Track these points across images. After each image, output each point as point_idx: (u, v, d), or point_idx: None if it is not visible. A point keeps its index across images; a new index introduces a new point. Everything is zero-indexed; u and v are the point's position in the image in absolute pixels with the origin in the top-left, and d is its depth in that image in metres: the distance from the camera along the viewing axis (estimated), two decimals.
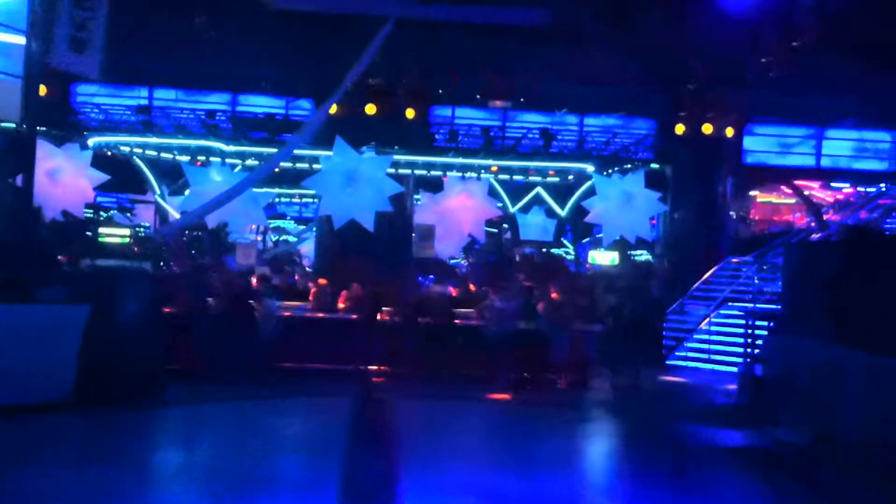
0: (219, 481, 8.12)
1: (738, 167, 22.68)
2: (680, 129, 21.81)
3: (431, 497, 7.77)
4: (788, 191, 26.24)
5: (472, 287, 19.33)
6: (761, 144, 23.34)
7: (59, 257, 17.74)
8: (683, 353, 17.71)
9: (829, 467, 9.07)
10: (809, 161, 23.60)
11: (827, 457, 9.31)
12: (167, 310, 14.68)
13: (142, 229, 29.71)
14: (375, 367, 15.25)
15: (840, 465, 8.97)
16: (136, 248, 27.24)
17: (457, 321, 15.96)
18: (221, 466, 8.72)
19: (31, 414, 10.30)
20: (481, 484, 8.49)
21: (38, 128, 14.56)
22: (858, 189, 24.64)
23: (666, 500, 8.03)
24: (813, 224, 23.51)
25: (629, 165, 22.25)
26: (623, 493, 8.77)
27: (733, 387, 13.78)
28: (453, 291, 18.84)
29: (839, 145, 23.64)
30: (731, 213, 24.28)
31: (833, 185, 25.48)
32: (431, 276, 21.03)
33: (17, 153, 13.89)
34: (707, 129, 21.74)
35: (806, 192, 25.30)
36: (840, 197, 25.94)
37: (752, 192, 28.61)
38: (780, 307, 13.69)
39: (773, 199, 30.14)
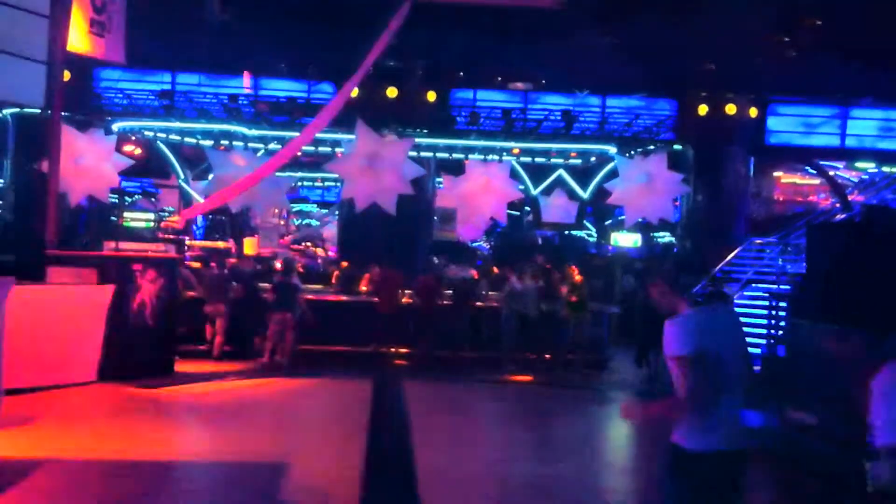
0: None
1: (762, 147, 22.50)
2: (703, 109, 21.67)
3: (446, 478, 7.80)
4: (812, 171, 26.02)
5: (494, 269, 19.38)
6: (785, 124, 23.11)
7: (84, 240, 18.08)
8: None
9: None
10: (834, 141, 23.35)
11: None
12: (191, 294, 14.91)
13: (166, 213, 29.93)
14: (396, 350, 15.40)
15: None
16: (159, 233, 27.52)
17: (478, 304, 16.05)
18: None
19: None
20: (493, 461, 8.54)
21: (62, 113, 14.63)
22: (883, 169, 24.38)
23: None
24: (837, 205, 23.30)
25: (651, 147, 22.11)
26: (633, 469, 8.86)
27: (757, 368, 13.73)
28: (475, 274, 18.91)
29: (864, 125, 23.35)
30: (755, 193, 24.13)
31: (857, 165, 25.23)
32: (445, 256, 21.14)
33: (41, 138, 14.01)
34: (730, 109, 21.59)
35: (830, 173, 25.07)
36: (865, 177, 25.69)
37: (775, 173, 28.43)
38: (802, 289, 13.61)
39: (796, 179, 29.94)
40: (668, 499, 4.19)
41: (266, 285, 15.10)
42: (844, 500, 7.29)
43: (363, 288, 16.93)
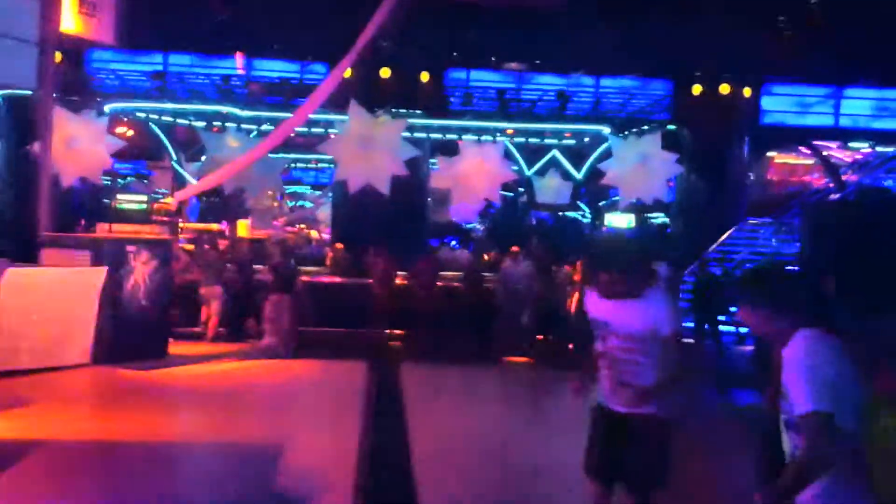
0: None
1: (756, 127, 22.49)
2: (697, 89, 21.64)
3: (444, 461, 7.81)
4: (806, 151, 26.02)
5: (486, 257, 19.36)
6: (779, 104, 23.08)
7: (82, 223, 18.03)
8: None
9: None
10: (828, 121, 23.34)
11: None
12: (189, 277, 14.91)
13: (159, 195, 29.82)
14: (392, 331, 15.40)
15: None
16: (152, 216, 27.44)
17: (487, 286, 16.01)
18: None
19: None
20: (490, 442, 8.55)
21: (54, 95, 14.55)
22: (878, 149, 24.40)
23: None
24: (830, 185, 23.35)
25: (646, 127, 22.10)
26: None
27: (750, 348, 13.79)
28: (487, 256, 18.91)
29: (858, 104, 23.34)
30: (749, 174, 24.12)
31: (852, 144, 25.24)
32: (448, 238, 21.11)
33: (33, 121, 13.94)
34: (724, 89, 21.57)
35: (824, 153, 25.08)
36: (859, 157, 25.71)
37: (769, 153, 28.41)
38: (796, 269, 13.65)
39: (790, 159, 29.93)
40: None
41: (261, 267, 15.08)
42: None
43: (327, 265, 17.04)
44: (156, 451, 7.89)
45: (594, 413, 4.75)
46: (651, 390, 4.49)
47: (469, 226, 30.05)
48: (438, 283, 15.64)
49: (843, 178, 23.43)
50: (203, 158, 22.40)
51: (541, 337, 14.98)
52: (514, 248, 15.29)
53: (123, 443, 7.98)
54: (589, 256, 4.77)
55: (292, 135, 21.79)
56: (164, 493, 6.68)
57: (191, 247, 16.49)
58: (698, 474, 7.26)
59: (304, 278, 15.68)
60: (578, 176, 26.01)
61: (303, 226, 34.29)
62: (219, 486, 7.01)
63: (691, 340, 14.39)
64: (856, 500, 3.18)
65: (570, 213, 30.09)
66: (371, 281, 15.62)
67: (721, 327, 15.66)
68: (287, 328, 13.78)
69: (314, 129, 21.88)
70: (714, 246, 18.93)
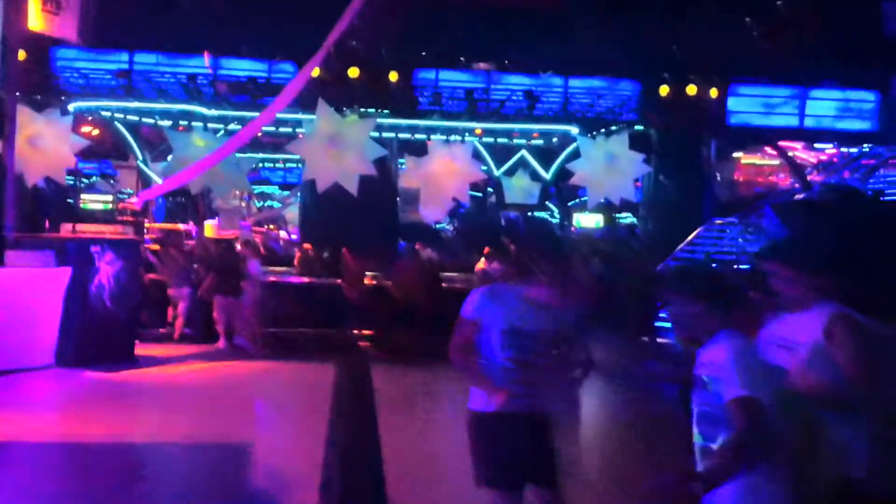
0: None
1: (723, 128, 22.67)
2: (664, 90, 21.75)
3: (417, 461, 7.78)
4: (772, 152, 26.27)
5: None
6: (746, 105, 23.27)
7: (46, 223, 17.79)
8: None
9: None
10: (793, 121, 23.56)
11: None
12: (151, 276, 14.75)
13: (124, 195, 29.56)
14: (361, 332, 15.31)
15: None
16: (118, 216, 27.18)
17: (444, 285, 15.96)
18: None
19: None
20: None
21: (17, 93, 14.33)
22: (842, 150, 24.68)
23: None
24: (796, 185, 23.56)
25: (614, 127, 22.20)
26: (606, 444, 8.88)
27: None
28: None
29: (823, 105, 23.58)
30: (716, 174, 24.31)
31: (817, 145, 25.51)
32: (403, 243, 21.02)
33: None
34: (691, 90, 21.70)
35: (790, 153, 25.33)
36: (824, 158, 26.00)
37: (736, 154, 28.67)
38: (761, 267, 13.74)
39: (756, 160, 30.23)
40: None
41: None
42: None
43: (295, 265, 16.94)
44: (122, 452, 7.79)
45: (489, 421, 4.48)
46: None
47: (438, 226, 30.02)
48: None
49: (809, 178, 23.65)
50: (169, 158, 22.17)
51: None
52: (486, 250, 15.24)
53: (88, 444, 7.87)
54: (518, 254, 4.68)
55: (260, 134, 21.64)
56: (132, 494, 6.59)
57: (156, 247, 16.32)
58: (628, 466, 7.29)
59: (272, 279, 15.56)
60: (547, 176, 26.06)
61: (271, 226, 34.14)
62: (187, 486, 6.95)
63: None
64: (777, 493, 3.23)
65: (540, 213, 30.16)
66: (341, 281, 15.52)
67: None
68: (246, 328, 13.68)
69: (282, 129, 21.73)
70: (682, 245, 19.01)
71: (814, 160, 26.35)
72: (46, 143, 19.66)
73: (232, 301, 13.61)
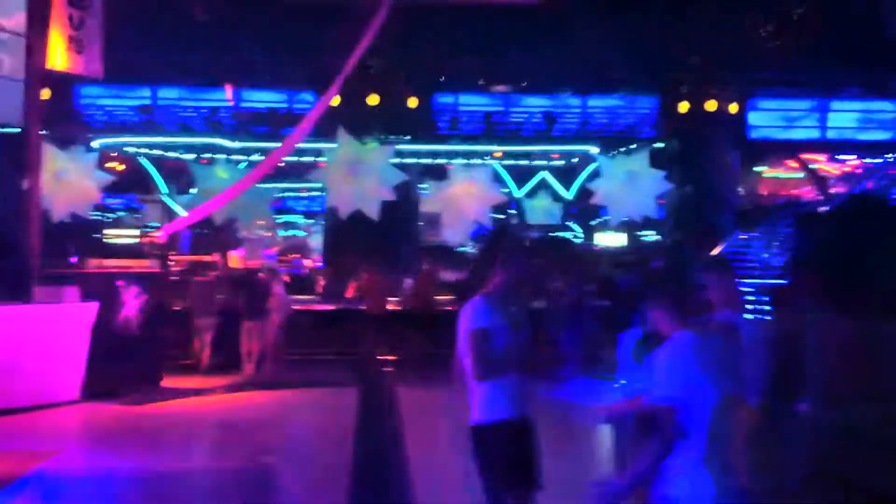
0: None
1: (743, 142, 22.57)
2: (683, 106, 21.71)
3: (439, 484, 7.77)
4: (794, 165, 26.12)
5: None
6: (766, 119, 23.21)
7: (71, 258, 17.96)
8: None
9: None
10: (815, 134, 23.48)
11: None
12: (177, 307, 14.89)
13: (150, 229, 29.78)
14: (385, 355, 15.31)
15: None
16: (144, 249, 27.40)
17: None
18: None
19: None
20: None
21: (42, 131, 14.55)
22: (865, 161, 24.49)
23: None
24: (820, 197, 23.41)
25: (633, 145, 22.16)
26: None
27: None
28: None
29: (844, 117, 23.49)
30: (738, 188, 24.16)
31: (839, 157, 25.35)
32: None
33: (23, 157, 13.92)
34: (710, 105, 21.62)
35: (812, 166, 25.18)
36: (847, 169, 25.81)
37: (758, 168, 28.50)
38: (786, 280, 13.65)
39: (779, 173, 30.00)
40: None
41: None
42: None
43: (350, 294, 16.88)
44: (150, 482, 7.86)
45: (499, 430, 4.58)
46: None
47: (461, 249, 30.02)
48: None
49: (832, 190, 23.49)
50: (193, 191, 22.38)
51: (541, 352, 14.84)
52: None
53: (116, 476, 7.94)
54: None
55: (282, 164, 21.81)
56: None
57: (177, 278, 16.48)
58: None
59: (297, 306, 15.63)
60: (568, 196, 26.04)
61: (297, 254, 34.25)
62: None
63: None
64: (702, 485, 3.38)
65: (562, 234, 30.08)
66: (364, 306, 15.57)
67: None
68: (266, 354, 13.78)
69: (304, 158, 21.91)
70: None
71: (837, 172, 26.16)
72: (72, 178, 19.90)
73: (258, 325, 13.73)
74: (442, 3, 18.64)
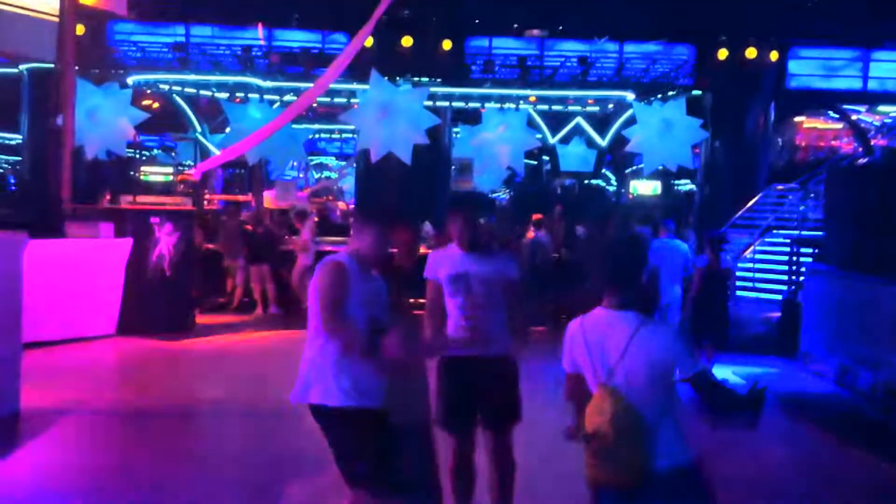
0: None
1: (782, 92, 22.16)
2: (722, 53, 21.30)
3: None
4: (834, 115, 25.67)
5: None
6: (806, 68, 22.76)
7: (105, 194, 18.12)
8: None
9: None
10: (856, 84, 23.00)
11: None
12: (209, 246, 15.01)
13: (184, 167, 29.97)
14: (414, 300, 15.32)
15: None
16: (178, 187, 27.59)
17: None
18: None
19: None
20: None
21: (76, 67, 14.56)
22: None
23: None
24: (859, 149, 23.03)
25: (670, 93, 21.82)
26: None
27: (777, 314, 13.62)
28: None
29: (887, 67, 22.97)
30: (777, 138, 23.84)
31: (880, 108, 24.87)
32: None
33: (56, 93, 13.95)
34: (750, 53, 21.20)
35: (852, 117, 24.73)
36: (888, 121, 25.34)
37: (796, 118, 28.07)
38: (822, 234, 13.51)
39: (818, 124, 29.54)
40: None
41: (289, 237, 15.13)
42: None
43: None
44: (180, 416, 8.00)
45: (445, 366, 4.95)
46: (515, 331, 4.88)
47: (493, 195, 29.94)
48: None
49: (872, 142, 23.08)
50: (227, 130, 22.41)
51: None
52: (536, 216, 15.09)
53: (147, 409, 8.08)
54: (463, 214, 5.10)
55: (314, 105, 21.75)
56: (191, 456, 6.78)
57: (208, 217, 16.57)
58: None
59: (328, 248, 15.66)
60: (603, 143, 25.80)
61: (329, 196, 34.34)
62: (242, 447, 7.13)
63: None
64: None
65: (596, 181, 29.91)
66: (395, 251, 15.55)
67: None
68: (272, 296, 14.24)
69: (337, 99, 21.82)
70: (741, 212, 18.71)
71: (878, 123, 25.69)
72: (106, 116, 19.97)
73: (266, 270, 14.23)
74: None
